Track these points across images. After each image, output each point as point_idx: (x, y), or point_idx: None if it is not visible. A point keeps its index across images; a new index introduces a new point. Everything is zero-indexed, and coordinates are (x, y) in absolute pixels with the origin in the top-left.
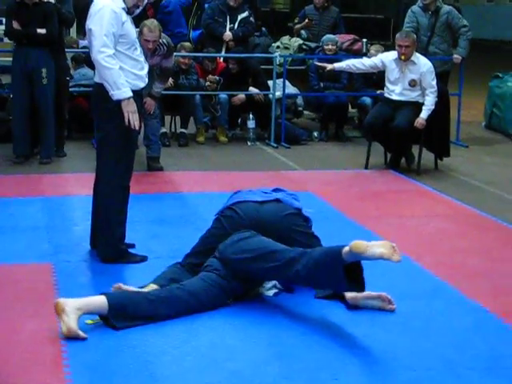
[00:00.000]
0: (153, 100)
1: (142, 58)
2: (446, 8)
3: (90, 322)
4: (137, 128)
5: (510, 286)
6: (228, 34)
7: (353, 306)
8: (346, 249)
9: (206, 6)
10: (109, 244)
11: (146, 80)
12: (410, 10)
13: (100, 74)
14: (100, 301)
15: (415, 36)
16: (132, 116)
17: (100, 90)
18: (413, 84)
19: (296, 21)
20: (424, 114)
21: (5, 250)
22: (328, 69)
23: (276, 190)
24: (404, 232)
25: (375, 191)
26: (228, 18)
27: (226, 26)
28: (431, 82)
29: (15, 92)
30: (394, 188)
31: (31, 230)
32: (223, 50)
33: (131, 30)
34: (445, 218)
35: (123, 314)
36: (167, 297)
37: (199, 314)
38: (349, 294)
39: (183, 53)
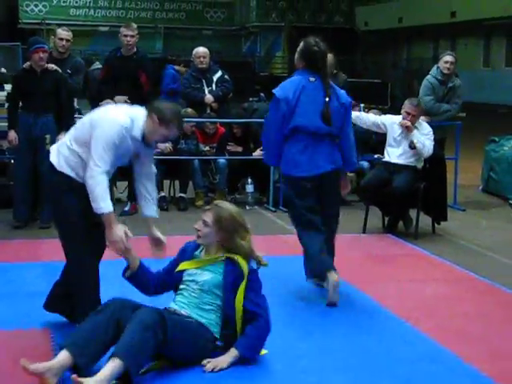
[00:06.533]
0: None
1: None
2: (458, 81)
3: None
4: None
5: (508, 350)
6: (209, 97)
7: None
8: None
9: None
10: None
11: None
12: (427, 82)
13: None
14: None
15: (423, 106)
16: None
17: None
18: (413, 146)
19: None
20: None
21: (3, 315)
22: None
23: None
24: (402, 296)
25: (373, 255)
26: (204, 81)
27: (204, 90)
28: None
29: (19, 158)
30: (392, 252)
31: (30, 295)
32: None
33: None
34: (443, 283)
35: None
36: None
37: None
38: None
39: (186, 119)
